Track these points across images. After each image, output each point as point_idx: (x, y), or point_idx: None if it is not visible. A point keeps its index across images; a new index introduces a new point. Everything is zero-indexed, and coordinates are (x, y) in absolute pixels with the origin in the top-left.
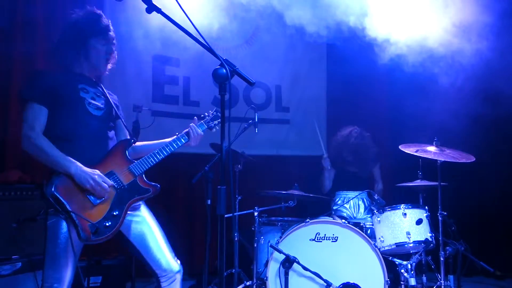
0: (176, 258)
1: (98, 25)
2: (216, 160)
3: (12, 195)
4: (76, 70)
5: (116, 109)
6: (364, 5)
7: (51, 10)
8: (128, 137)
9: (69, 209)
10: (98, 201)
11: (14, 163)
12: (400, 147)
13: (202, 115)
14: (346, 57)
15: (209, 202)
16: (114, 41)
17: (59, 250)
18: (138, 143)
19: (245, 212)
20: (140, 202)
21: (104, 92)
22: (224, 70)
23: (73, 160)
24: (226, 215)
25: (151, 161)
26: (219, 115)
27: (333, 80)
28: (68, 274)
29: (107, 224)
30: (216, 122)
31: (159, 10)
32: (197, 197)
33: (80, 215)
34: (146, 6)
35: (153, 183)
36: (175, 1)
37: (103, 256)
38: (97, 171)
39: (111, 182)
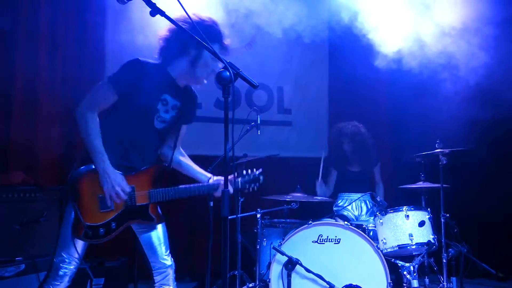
0: (169, 252)
1: (221, 42)
2: (219, 162)
3: (15, 197)
4: (172, 72)
5: (183, 120)
6: (365, 6)
7: (53, 14)
8: (166, 163)
9: (78, 203)
10: (104, 208)
11: (17, 165)
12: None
13: (244, 172)
14: (348, 58)
15: (211, 204)
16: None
17: (68, 232)
18: (183, 159)
19: (248, 214)
20: None
21: (185, 102)
22: (228, 73)
23: (106, 158)
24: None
25: (171, 195)
26: (261, 179)
27: (334, 82)
28: (75, 252)
29: (101, 230)
30: (253, 185)
31: (163, 13)
32: (199, 198)
33: (80, 215)
34: (150, 9)
35: (161, 215)
36: (179, 4)
37: (106, 258)
38: (121, 178)
39: (128, 190)
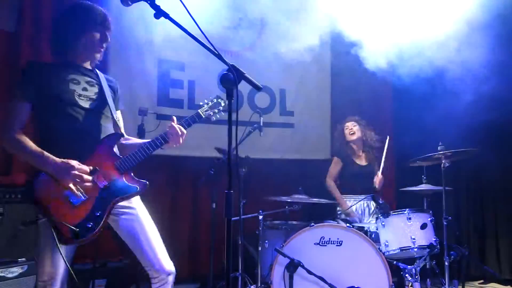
0: (169, 260)
1: (95, 14)
2: (221, 164)
3: (18, 198)
4: (70, 58)
5: (112, 98)
6: (365, 8)
7: (57, 11)
8: (116, 132)
9: (49, 212)
10: (78, 201)
11: (21, 166)
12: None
13: (201, 103)
14: (351, 60)
15: (214, 205)
16: (111, 28)
17: (47, 248)
18: (125, 141)
19: (250, 215)
20: (133, 199)
21: (100, 79)
22: (232, 76)
23: (49, 156)
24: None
25: (139, 157)
26: (220, 102)
27: (337, 84)
28: (59, 271)
29: (88, 225)
30: (216, 110)
31: (167, 16)
32: (201, 200)
33: (59, 220)
34: (154, 11)
35: (141, 180)
36: (183, 7)
37: (108, 259)
38: (72, 162)
39: (87, 168)
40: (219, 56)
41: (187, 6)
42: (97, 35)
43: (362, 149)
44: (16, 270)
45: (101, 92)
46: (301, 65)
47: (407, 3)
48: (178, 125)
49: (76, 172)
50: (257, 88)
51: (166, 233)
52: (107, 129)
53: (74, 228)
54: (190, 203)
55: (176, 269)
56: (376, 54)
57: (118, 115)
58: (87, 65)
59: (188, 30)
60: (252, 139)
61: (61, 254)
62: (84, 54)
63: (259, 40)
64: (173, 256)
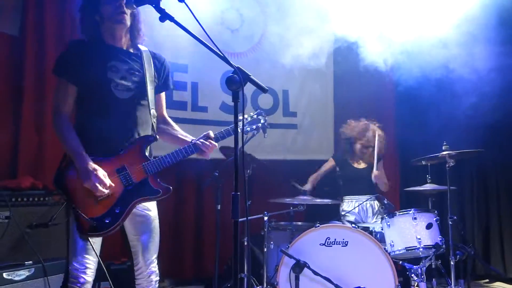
0: (155, 260)
1: None
2: (226, 165)
3: (24, 201)
4: (106, 40)
5: (155, 82)
6: (369, 8)
7: (60, 18)
8: (152, 133)
9: (72, 201)
10: (102, 198)
11: (27, 169)
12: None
13: (244, 116)
14: (354, 60)
15: (218, 207)
16: None
17: (76, 236)
18: (167, 127)
19: (255, 217)
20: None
21: (143, 62)
22: (238, 78)
23: (83, 153)
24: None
25: (168, 161)
26: (260, 119)
27: (339, 84)
28: (89, 260)
29: (106, 221)
30: (254, 126)
31: (172, 19)
32: (205, 201)
33: (79, 211)
34: (159, 15)
35: (165, 185)
36: (189, 10)
37: (111, 261)
38: (99, 171)
39: (108, 183)
40: (224, 58)
41: (189, 8)
42: (111, 2)
43: (362, 152)
44: (23, 273)
45: (141, 80)
46: (303, 66)
47: (411, 3)
48: (206, 143)
49: (95, 183)
50: (262, 90)
51: (170, 234)
52: (142, 120)
53: (92, 221)
54: (195, 204)
55: (180, 270)
56: (379, 54)
57: (162, 97)
58: (129, 46)
59: (193, 33)
60: (256, 140)
61: (91, 244)
62: (108, 24)
63: (261, 42)
64: (177, 257)
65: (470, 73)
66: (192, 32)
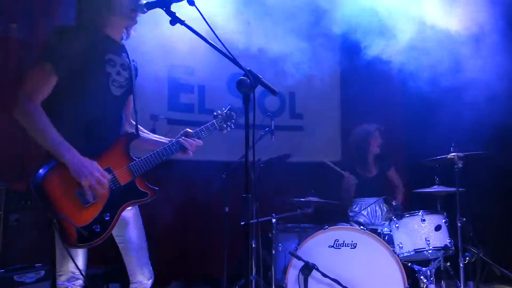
0: (150, 266)
1: None
2: (234, 168)
3: (34, 204)
4: (102, 29)
5: (134, 82)
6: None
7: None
8: (132, 131)
9: (55, 208)
10: (89, 202)
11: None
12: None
13: (215, 113)
14: (360, 63)
15: (227, 209)
16: None
17: (62, 249)
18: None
19: (264, 219)
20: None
21: (129, 58)
22: (248, 80)
23: (71, 147)
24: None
25: (153, 161)
26: (233, 115)
27: (346, 86)
28: (75, 267)
29: (96, 230)
30: (229, 123)
31: (182, 22)
32: (213, 204)
33: (66, 218)
34: (169, 18)
35: (152, 186)
36: (199, 13)
37: (121, 263)
38: (96, 164)
39: (109, 177)
40: (234, 61)
41: (193, 10)
42: None
43: (374, 159)
44: (33, 276)
45: (130, 77)
46: (310, 68)
47: (418, 5)
48: (194, 138)
49: (99, 176)
50: (273, 92)
51: (178, 237)
52: (125, 120)
53: (82, 231)
54: (202, 207)
55: (188, 272)
56: (386, 55)
57: (131, 99)
58: (118, 38)
59: (203, 35)
60: (262, 142)
61: (70, 255)
62: (114, 23)
63: (268, 43)
64: (185, 259)
65: (479, 75)
66: (202, 35)
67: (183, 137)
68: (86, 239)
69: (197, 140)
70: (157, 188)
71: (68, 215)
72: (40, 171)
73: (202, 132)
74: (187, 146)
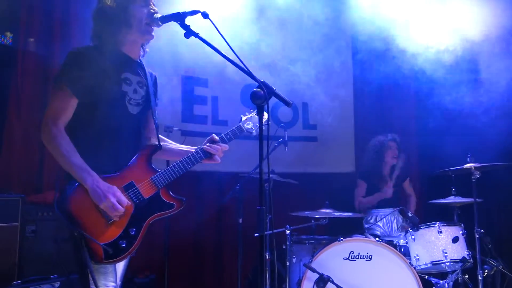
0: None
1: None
2: (248, 179)
3: (50, 216)
4: (120, 48)
5: (152, 99)
6: (391, 20)
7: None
8: (155, 142)
9: (81, 227)
10: (112, 219)
11: (52, 184)
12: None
13: (242, 116)
14: (373, 74)
15: (240, 221)
16: (154, 2)
17: (91, 266)
18: (163, 143)
19: (277, 230)
20: None
21: (146, 75)
22: (262, 92)
23: (91, 171)
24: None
25: (177, 171)
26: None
27: (360, 96)
28: (114, 280)
29: (122, 245)
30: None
31: (197, 35)
32: (227, 215)
33: (91, 237)
34: (184, 31)
35: (178, 197)
36: (214, 27)
37: (135, 274)
38: (114, 188)
39: (126, 201)
40: (248, 73)
41: (205, 23)
42: (142, 11)
43: (389, 170)
44: (48, 287)
45: (147, 94)
46: (323, 78)
47: (432, 14)
48: (215, 145)
49: (114, 202)
50: (287, 104)
51: (191, 248)
52: (146, 135)
53: (107, 248)
54: (216, 218)
55: (203, 283)
56: (399, 65)
57: (155, 113)
58: (136, 56)
59: (217, 48)
60: (276, 153)
61: (91, 274)
62: (131, 41)
63: (282, 54)
64: (199, 270)
65: (496, 84)
66: (217, 48)
67: (208, 143)
68: (112, 255)
69: (223, 144)
70: (184, 199)
71: (92, 233)
72: (64, 191)
73: (229, 136)
74: (212, 151)
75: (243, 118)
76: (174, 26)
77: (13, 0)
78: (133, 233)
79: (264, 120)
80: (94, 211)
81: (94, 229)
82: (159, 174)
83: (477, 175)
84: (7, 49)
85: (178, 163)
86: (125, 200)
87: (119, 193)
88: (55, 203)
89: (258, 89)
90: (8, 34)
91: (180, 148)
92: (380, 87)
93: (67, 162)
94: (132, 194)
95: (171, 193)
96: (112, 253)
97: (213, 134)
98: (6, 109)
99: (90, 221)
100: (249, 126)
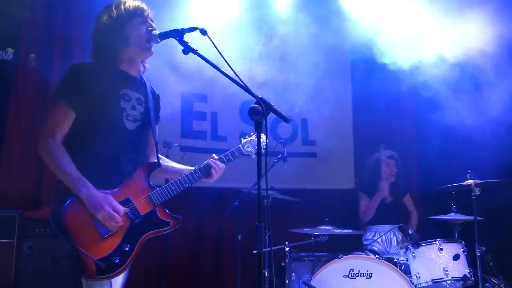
0: None
1: (136, 6)
2: (246, 195)
3: (47, 232)
4: (121, 66)
5: (152, 116)
6: (387, 35)
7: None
8: (154, 160)
9: (74, 241)
10: (108, 233)
11: (49, 200)
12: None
13: (242, 139)
14: (373, 90)
15: (239, 237)
16: (152, 19)
17: (86, 282)
18: (162, 162)
19: (276, 247)
20: None
21: (147, 92)
22: (260, 108)
23: (87, 182)
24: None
25: (175, 189)
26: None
27: (359, 112)
28: None
29: (115, 261)
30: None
31: (195, 52)
32: (225, 232)
33: (84, 251)
34: (182, 47)
35: (174, 215)
36: (211, 42)
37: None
38: (110, 198)
39: (123, 210)
40: (246, 89)
41: (204, 39)
42: (141, 27)
43: (388, 186)
44: None
45: (146, 111)
46: (322, 94)
47: (432, 31)
48: (218, 162)
49: (110, 211)
50: (285, 120)
51: (190, 265)
52: (145, 151)
53: (100, 262)
54: (214, 235)
55: None
56: (399, 80)
57: (156, 130)
58: (135, 73)
59: (215, 64)
60: (275, 169)
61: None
62: (130, 59)
63: (281, 70)
64: None
65: (496, 101)
66: (215, 64)
67: (211, 159)
68: (105, 271)
69: (220, 164)
70: (180, 217)
71: (86, 248)
72: (60, 204)
73: (228, 158)
74: (212, 170)
75: (243, 141)
76: (173, 42)
77: (15, 16)
78: (127, 249)
79: (262, 140)
80: (89, 225)
81: (88, 243)
82: (157, 192)
83: (477, 191)
84: (8, 64)
85: (176, 181)
86: (121, 208)
87: (114, 202)
88: (50, 215)
89: (256, 105)
90: (9, 50)
91: (179, 167)
92: (380, 103)
93: (62, 172)
94: (128, 210)
95: (167, 211)
96: (105, 268)
97: (213, 154)
98: (5, 124)
99: (84, 235)
100: (249, 149)
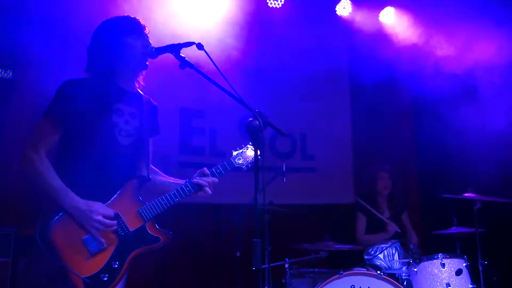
0: None
1: (132, 23)
2: (246, 212)
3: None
4: (113, 79)
5: (147, 131)
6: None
7: None
8: (144, 174)
9: (61, 259)
10: (97, 249)
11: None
12: None
13: (233, 151)
14: (371, 103)
15: (238, 254)
16: (148, 36)
17: None
18: (156, 176)
19: (276, 264)
20: None
21: (142, 106)
22: (257, 122)
23: (69, 191)
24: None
25: (165, 204)
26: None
27: (358, 126)
28: None
29: (103, 278)
30: (248, 160)
31: (192, 66)
32: (224, 248)
33: (71, 270)
34: (179, 62)
35: (164, 230)
36: (208, 57)
37: None
38: (95, 205)
39: (111, 212)
40: (243, 103)
41: (202, 55)
42: (137, 43)
43: (386, 201)
44: None
45: (140, 126)
46: (321, 109)
47: (429, 44)
48: (205, 178)
49: (100, 218)
50: (281, 134)
51: (188, 282)
52: (139, 165)
53: (88, 281)
54: (213, 251)
55: None
56: (397, 95)
57: (150, 144)
58: (131, 88)
59: (212, 78)
60: (274, 184)
61: None
62: (125, 73)
63: (279, 85)
64: None
65: (496, 114)
66: (212, 78)
67: (198, 177)
68: None
69: (213, 178)
70: (170, 232)
71: (73, 265)
72: (46, 221)
73: (219, 171)
74: (202, 183)
75: (234, 153)
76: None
77: (13, 33)
78: (116, 266)
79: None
80: (77, 242)
81: (75, 261)
82: (146, 207)
83: (478, 205)
84: (7, 82)
85: (166, 195)
86: (110, 211)
87: (100, 207)
88: (36, 232)
89: (253, 119)
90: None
91: (170, 181)
92: (378, 117)
93: (46, 184)
94: (117, 226)
95: (157, 226)
96: (93, 287)
97: (204, 168)
98: (3, 142)
99: (71, 253)
100: (240, 161)
